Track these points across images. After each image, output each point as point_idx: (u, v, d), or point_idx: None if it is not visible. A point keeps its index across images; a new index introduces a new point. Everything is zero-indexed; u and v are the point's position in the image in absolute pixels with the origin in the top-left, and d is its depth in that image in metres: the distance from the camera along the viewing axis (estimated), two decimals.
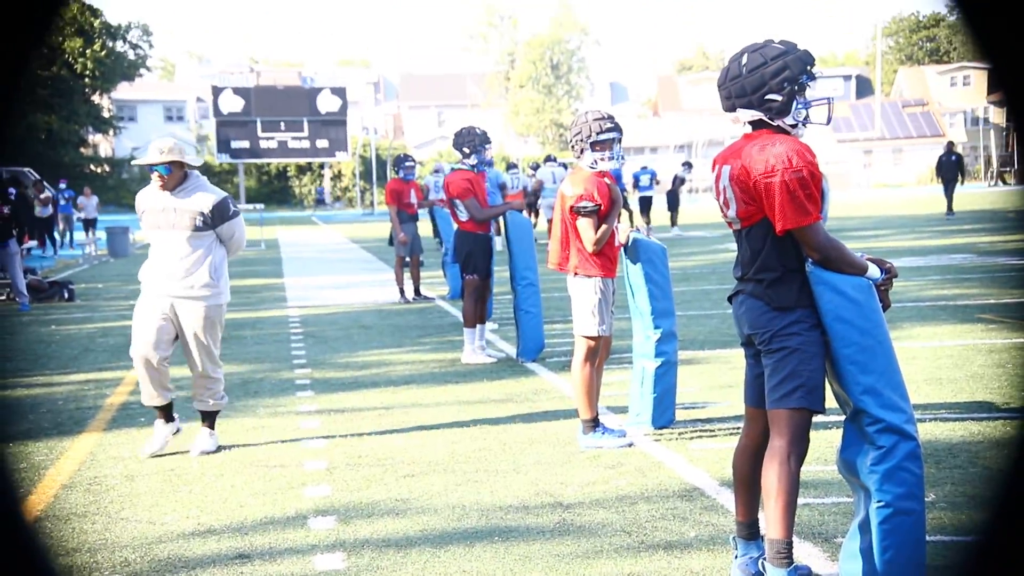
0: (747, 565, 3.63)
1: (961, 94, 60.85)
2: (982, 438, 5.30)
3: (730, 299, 3.63)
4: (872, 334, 3.36)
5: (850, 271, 3.36)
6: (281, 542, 4.27)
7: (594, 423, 5.57)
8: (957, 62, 63.66)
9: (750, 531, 3.65)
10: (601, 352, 5.71)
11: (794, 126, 3.42)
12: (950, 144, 26.88)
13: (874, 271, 3.39)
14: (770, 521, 3.39)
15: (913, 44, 71.95)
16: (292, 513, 4.64)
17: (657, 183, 23.37)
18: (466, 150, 8.28)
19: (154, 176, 5.60)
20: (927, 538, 3.48)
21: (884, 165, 57.57)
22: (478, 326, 8.40)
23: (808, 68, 3.39)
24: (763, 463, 3.45)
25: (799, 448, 3.40)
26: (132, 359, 5.86)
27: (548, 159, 22.43)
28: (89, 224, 27.03)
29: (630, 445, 5.54)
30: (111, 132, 55.66)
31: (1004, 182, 49.15)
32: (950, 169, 25.48)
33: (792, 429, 3.39)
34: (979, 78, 61.09)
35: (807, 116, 3.44)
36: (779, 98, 3.38)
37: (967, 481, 4.61)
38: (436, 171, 20.24)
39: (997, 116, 57.40)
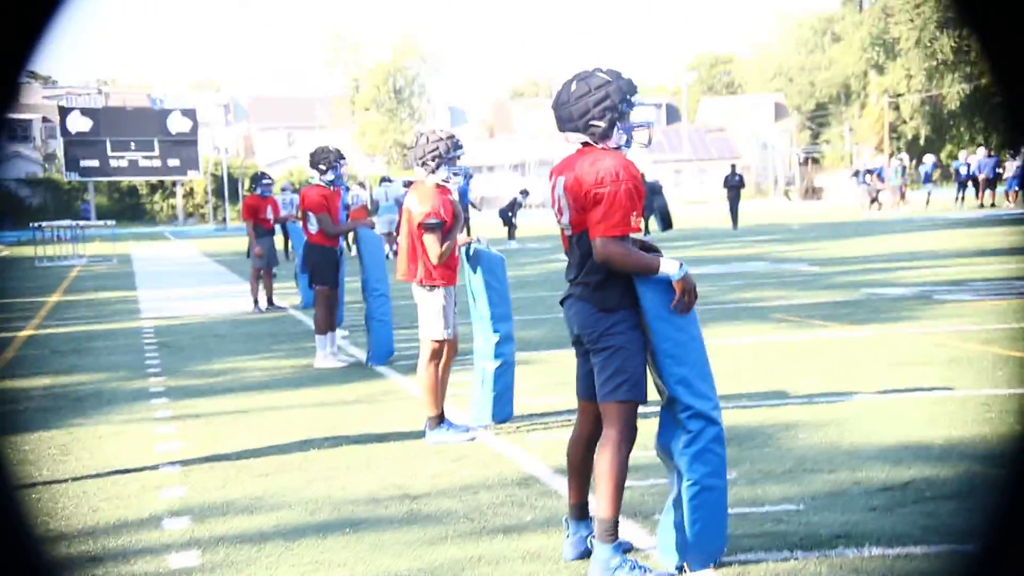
0: (577, 543, 3.71)
1: (752, 120, 64.47)
2: (775, 422, 5.61)
3: (562, 302, 3.68)
4: (687, 330, 3.49)
5: (645, 273, 3.39)
6: (135, 543, 4.06)
7: (439, 419, 5.57)
8: (748, 93, 67.40)
9: (581, 512, 3.73)
10: (447, 353, 5.72)
11: (616, 148, 3.51)
12: (732, 166, 28.32)
13: (670, 266, 3.38)
14: (600, 502, 3.47)
15: (713, 77, 75.63)
16: (146, 515, 4.42)
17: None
18: (322, 167, 8.15)
19: None
20: (729, 511, 3.66)
21: (692, 183, 60.19)
22: (329, 333, 8.25)
23: (628, 96, 3.48)
24: (596, 451, 3.52)
25: (629, 435, 3.49)
26: None
27: (383, 180, 22.79)
28: None
29: (472, 439, 5.57)
30: None
31: (788, 198, 52.27)
32: (733, 187, 26.81)
33: (622, 419, 3.47)
34: (766, 107, 64.93)
35: (629, 139, 3.53)
36: (601, 124, 3.46)
37: (763, 460, 4.86)
38: (284, 190, 20.29)
39: (781, 140, 61.09)
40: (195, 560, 3.84)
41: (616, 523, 3.48)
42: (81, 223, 28.98)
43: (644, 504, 4.28)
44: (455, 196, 5.79)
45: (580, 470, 3.71)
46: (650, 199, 24.36)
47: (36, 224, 27.02)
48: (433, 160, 5.57)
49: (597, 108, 3.45)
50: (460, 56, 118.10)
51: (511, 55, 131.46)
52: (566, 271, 3.68)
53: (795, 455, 4.91)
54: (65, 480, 5.05)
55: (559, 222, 3.63)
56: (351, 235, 9.05)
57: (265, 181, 12.43)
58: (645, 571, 3.46)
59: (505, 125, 68.43)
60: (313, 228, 8.19)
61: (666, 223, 24.34)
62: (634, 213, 3.39)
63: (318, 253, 8.20)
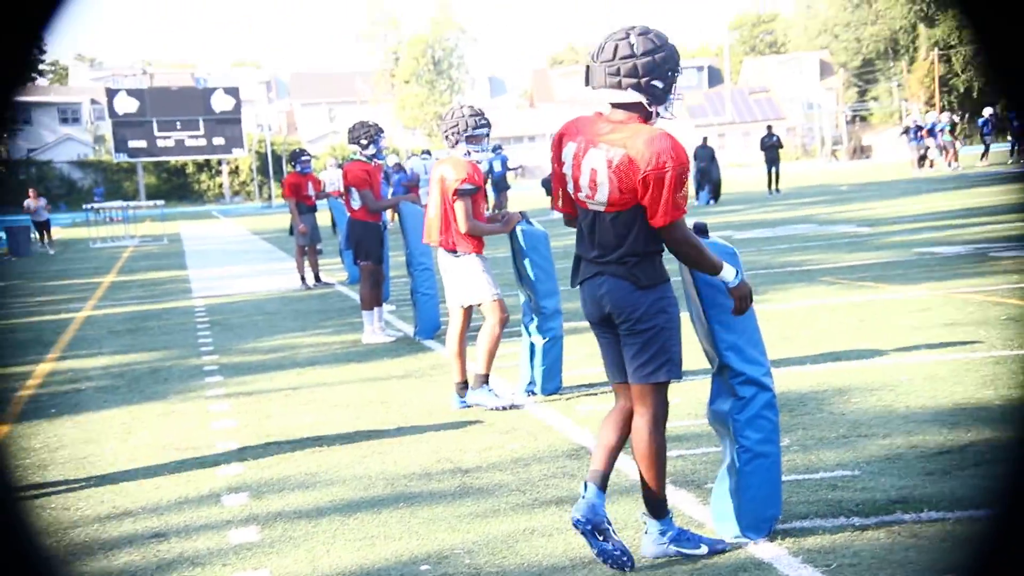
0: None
1: (797, 80, 63.19)
2: (827, 387, 5.53)
3: (581, 283, 3.46)
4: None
5: (708, 271, 3.30)
6: (196, 519, 4.15)
7: (485, 379, 5.70)
8: (792, 52, 66.04)
9: (605, 481, 3.42)
10: (464, 319, 5.76)
11: (659, 116, 3.33)
12: (768, 127, 27.60)
13: (728, 273, 3.30)
14: (647, 482, 3.39)
15: (755, 37, 74.18)
16: (206, 492, 4.51)
17: (509, 168, 23.64)
18: (363, 141, 8.16)
19: None
20: (783, 478, 3.62)
21: (735, 147, 59.34)
22: (376, 308, 8.30)
23: (679, 60, 3.32)
24: (632, 432, 3.39)
25: (665, 414, 3.39)
26: None
27: (424, 152, 23.21)
28: (42, 226, 24.18)
29: (507, 408, 5.63)
30: (6, 135, 52.69)
31: (836, 158, 51.26)
32: (771, 149, 26.15)
33: (657, 401, 3.36)
34: (810, 66, 63.56)
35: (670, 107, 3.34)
36: (662, 85, 3.24)
37: (816, 425, 4.81)
38: (330, 166, 20.63)
39: (827, 99, 59.81)
40: (254, 536, 3.92)
41: (664, 500, 3.43)
42: (131, 204, 29.46)
43: (696, 473, 4.26)
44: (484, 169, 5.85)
45: (614, 448, 3.43)
46: (706, 167, 24.13)
47: (89, 206, 27.60)
48: (453, 135, 5.61)
49: (664, 67, 3.22)
50: (498, 25, 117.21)
51: (549, 22, 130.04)
52: (583, 248, 3.43)
53: (849, 420, 4.84)
54: (127, 460, 5.17)
55: (577, 196, 3.34)
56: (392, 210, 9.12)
57: (304, 158, 12.46)
58: (699, 541, 3.44)
59: (545, 93, 67.94)
60: (356, 204, 8.22)
61: (715, 195, 24.09)
62: (684, 196, 3.23)
63: (361, 229, 8.23)
